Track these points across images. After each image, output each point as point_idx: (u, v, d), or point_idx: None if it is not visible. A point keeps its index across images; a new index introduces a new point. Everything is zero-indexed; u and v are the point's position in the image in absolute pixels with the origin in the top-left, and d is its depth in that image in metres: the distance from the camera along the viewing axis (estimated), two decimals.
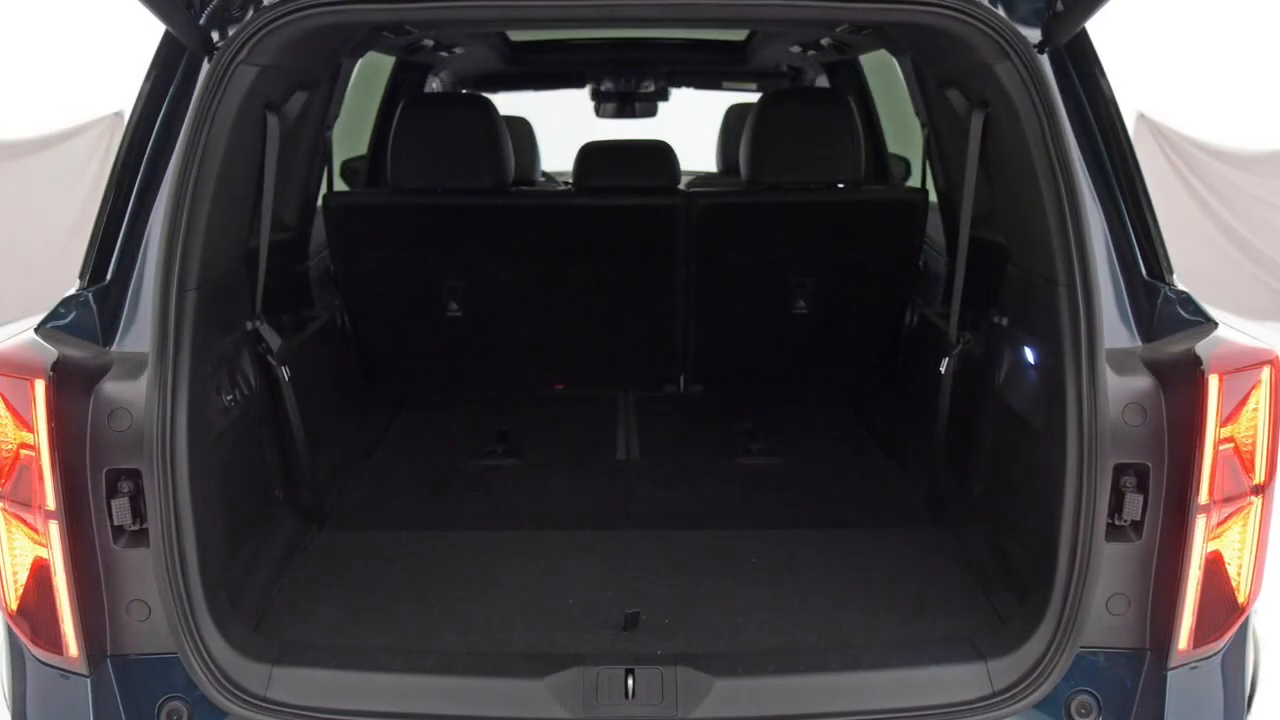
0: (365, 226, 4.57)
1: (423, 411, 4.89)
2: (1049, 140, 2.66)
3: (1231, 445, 2.48)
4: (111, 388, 2.57)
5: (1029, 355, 3.05)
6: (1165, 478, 2.56)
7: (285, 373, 3.35)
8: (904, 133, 5.42)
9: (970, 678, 2.61)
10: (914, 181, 5.16)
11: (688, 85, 6.99)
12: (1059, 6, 2.69)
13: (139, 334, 2.66)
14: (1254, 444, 2.50)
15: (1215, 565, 2.54)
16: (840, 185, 4.50)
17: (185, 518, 2.58)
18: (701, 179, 6.59)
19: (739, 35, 5.65)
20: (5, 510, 2.52)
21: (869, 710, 2.59)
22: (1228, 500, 2.51)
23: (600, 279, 4.74)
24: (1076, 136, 2.75)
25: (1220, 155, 11.49)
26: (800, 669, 2.66)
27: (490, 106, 4.42)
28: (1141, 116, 11.15)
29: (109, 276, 2.71)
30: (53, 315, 2.66)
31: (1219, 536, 2.53)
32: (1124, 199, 2.76)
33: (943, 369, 3.47)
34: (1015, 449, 3.10)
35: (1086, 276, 2.60)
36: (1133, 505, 2.57)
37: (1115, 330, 2.66)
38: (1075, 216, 2.63)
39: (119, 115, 10.58)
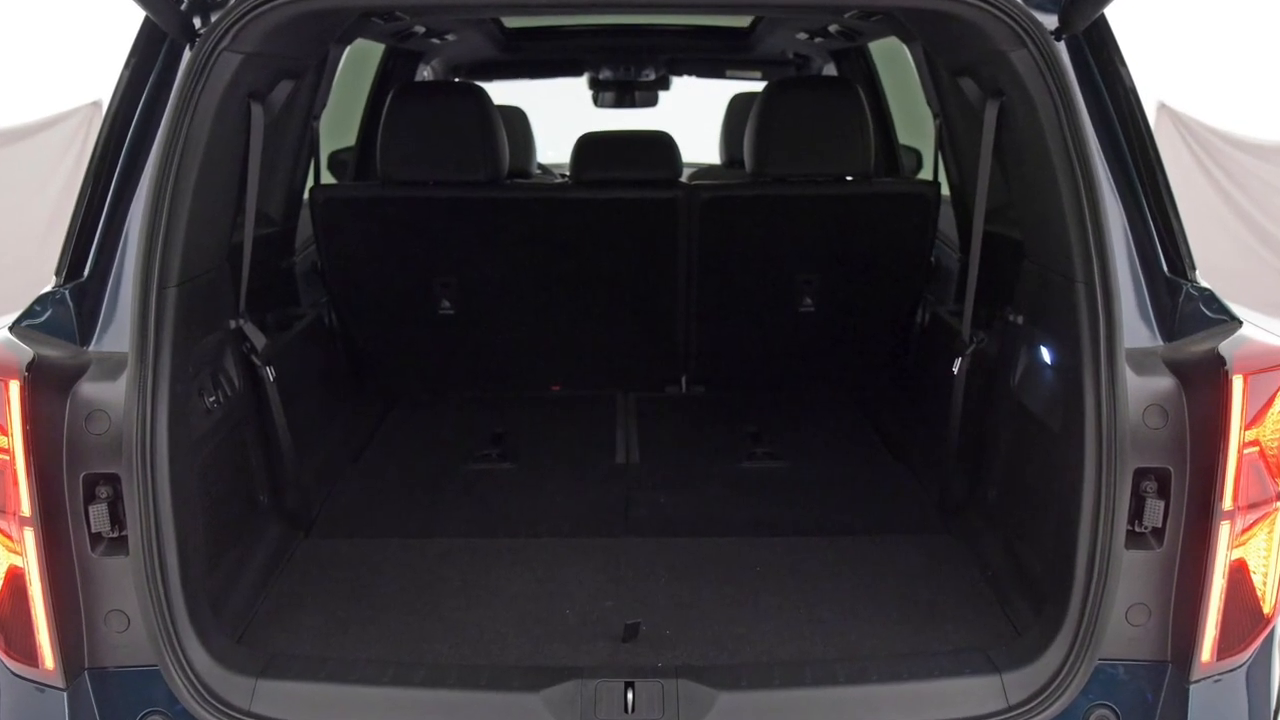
0: (354, 221, 4.57)
1: (413, 413, 4.89)
2: (1066, 131, 2.66)
3: (1257, 449, 2.48)
4: (89, 389, 2.56)
5: (1046, 355, 3.05)
6: (1188, 482, 2.56)
7: (270, 373, 3.35)
8: (915, 123, 5.42)
9: (984, 691, 2.61)
10: (925, 174, 5.17)
11: (689, 74, 6.99)
12: None
13: (118, 333, 2.66)
14: None
15: (1239, 574, 2.54)
16: (849, 178, 4.50)
17: (166, 524, 2.58)
18: (704, 171, 6.60)
19: (743, 21, 5.65)
20: None
21: None
22: (1253, 506, 2.51)
23: (599, 275, 4.74)
24: (1095, 127, 2.75)
25: (1245, 146, 11.50)
26: (807, 682, 2.66)
27: (484, 96, 4.42)
28: (1162, 106, 11.15)
29: (86, 273, 2.71)
30: (28, 313, 2.66)
31: (1244, 544, 2.52)
32: (1144, 192, 2.76)
33: (955, 369, 3.47)
34: (1031, 452, 3.10)
35: (1105, 273, 2.60)
36: (1154, 511, 2.57)
37: (1135, 329, 2.66)
38: (1094, 210, 2.63)
39: (97, 105, 10.58)
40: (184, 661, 2.57)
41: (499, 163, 4.42)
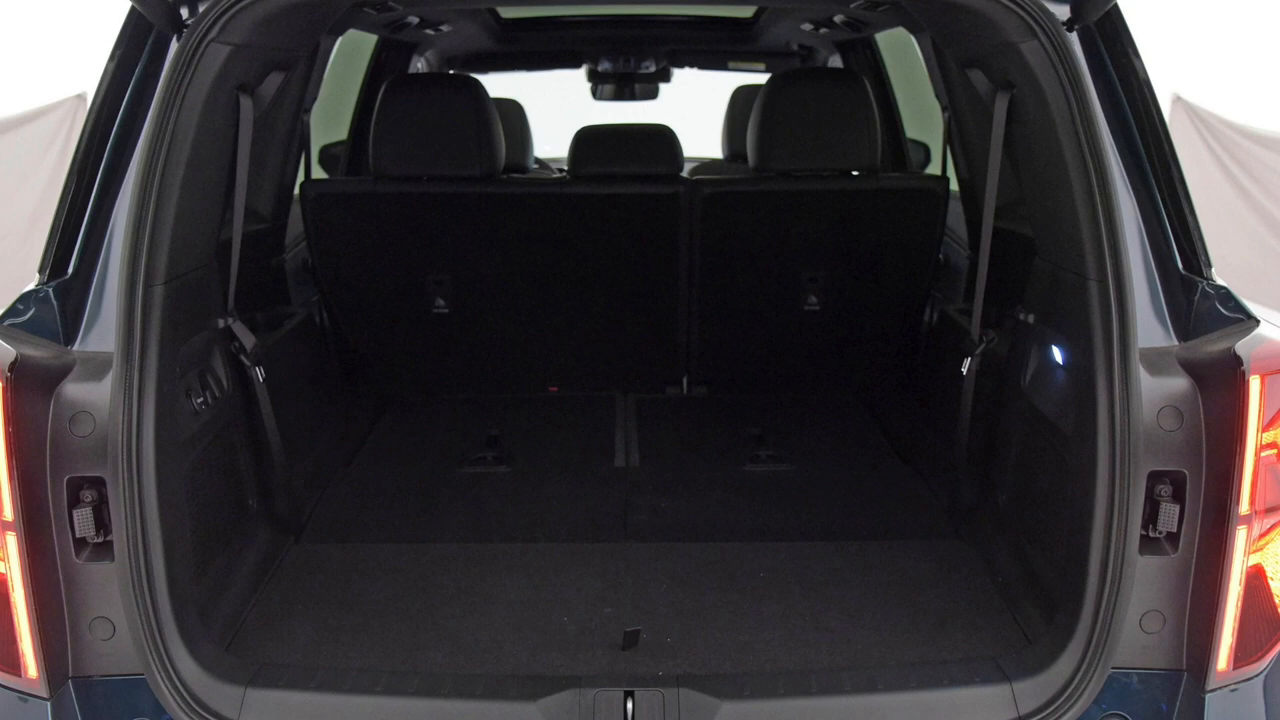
0: (345, 217, 4.57)
1: (407, 415, 4.90)
2: (1078, 124, 2.66)
3: (1274, 451, 2.48)
4: (73, 390, 2.56)
5: (1057, 355, 3.05)
6: (1203, 486, 2.56)
7: (260, 373, 3.35)
8: (923, 117, 5.42)
9: (994, 700, 2.61)
10: (934, 169, 5.17)
11: (691, 65, 6.99)
12: None
13: (103, 332, 2.66)
14: None
15: (1257, 580, 2.54)
16: (855, 173, 4.51)
17: (152, 529, 2.58)
18: (706, 166, 6.59)
19: (746, 11, 5.66)
20: None
21: None
22: (1270, 510, 2.51)
23: (597, 273, 4.74)
24: (1108, 120, 2.75)
25: (1262, 140, 11.48)
26: (812, 691, 2.66)
27: (479, 88, 4.42)
28: (1178, 99, 11.15)
29: (71, 271, 2.71)
30: (10, 312, 2.66)
31: (1261, 549, 2.52)
32: (1159, 187, 2.76)
33: (965, 369, 3.47)
34: (1043, 455, 3.10)
35: (1119, 270, 2.61)
36: (1168, 516, 2.57)
37: (1149, 328, 2.67)
38: (1106, 206, 2.63)
39: (81, 98, 10.58)
40: (171, 670, 2.57)
41: (495, 157, 4.42)
